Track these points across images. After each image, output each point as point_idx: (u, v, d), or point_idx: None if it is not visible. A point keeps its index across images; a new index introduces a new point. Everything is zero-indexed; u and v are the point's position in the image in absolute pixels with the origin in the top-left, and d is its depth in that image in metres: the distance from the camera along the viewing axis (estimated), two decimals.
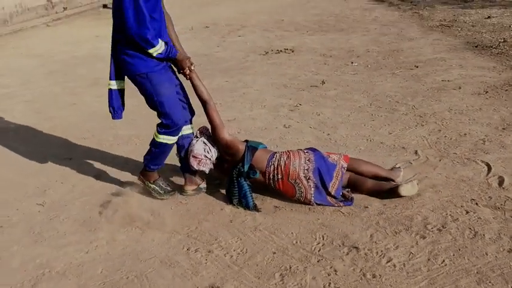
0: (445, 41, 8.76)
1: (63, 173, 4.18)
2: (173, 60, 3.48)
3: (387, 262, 2.77)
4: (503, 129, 4.58)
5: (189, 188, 3.69)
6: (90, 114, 5.62)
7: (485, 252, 2.80)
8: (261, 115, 5.39)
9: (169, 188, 3.74)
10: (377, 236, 3.02)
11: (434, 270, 2.67)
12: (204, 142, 3.58)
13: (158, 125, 3.53)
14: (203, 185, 3.73)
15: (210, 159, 3.58)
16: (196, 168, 3.59)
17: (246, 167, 3.49)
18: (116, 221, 3.37)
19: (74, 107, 5.99)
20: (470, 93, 5.69)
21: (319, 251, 2.92)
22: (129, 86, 3.56)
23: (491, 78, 6.25)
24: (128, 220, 3.37)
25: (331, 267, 2.75)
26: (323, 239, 3.03)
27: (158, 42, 3.27)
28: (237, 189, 3.49)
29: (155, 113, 3.53)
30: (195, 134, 3.70)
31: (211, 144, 3.59)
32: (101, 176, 4.07)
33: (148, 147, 3.65)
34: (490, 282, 2.56)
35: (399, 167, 3.74)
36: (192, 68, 3.53)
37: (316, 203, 3.41)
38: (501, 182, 3.59)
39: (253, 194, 3.49)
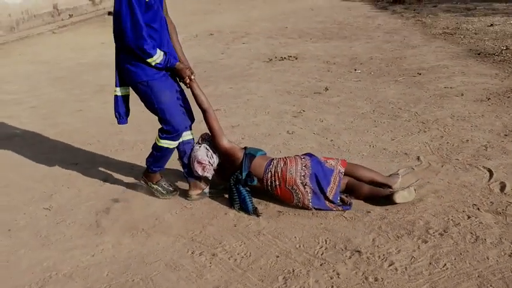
0: (448, 48, 8.82)
1: (69, 178, 4.23)
2: (173, 69, 3.54)
3: (389, 266, 2.80)
4: (505, 135, 4.62)
5: (194, 193, 3.74)
6: (96, 120, 5.69)
7: (486, 257, 2.83)
8: (264, 121, 5.44)
9: (171, 188, 3.82)
10: (379, 240, 3.06)
11: (436, 274, 2.70)
12: (206, 148, 3.64)
13: (159, 130, 3.62)
14: (207, 189, 3.78)
15: (212, 165, 3.64)
16: (201, 174, 3.64)
17: (243, 175, 3.56)
18: (121, 225, 3.42)
19: (79, 113, 6.06)
20: (472, 100, 5.73)
21: (321, 254, 2.95)
22: (135, 93, 3.63)
23: (494, 85, 6.29)
24: (133, 224, 3.42)
25: (333, 271, 2.79)
26: (326, 243, 3.07)
27: (156, 52, 3.35)
28: (236, 195, 3.55)
29: None
30: (197, 141, 3.76)
31: (213, 151, 3.65)
32: (106, 180, 4.12)
33: (151, 150, 3.73)
34: (491, 285, 2.59)
35: (397, 174, 3.77)
36: (192, 77, 3.59)
37: (314, 208, 3.45)
38: (503, 187, 3.63)
39: (253, 199, 3.54)
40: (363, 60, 8.25)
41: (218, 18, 14.82)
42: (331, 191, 3.44)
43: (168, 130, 3.56)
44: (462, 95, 5.95)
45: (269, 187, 3.55)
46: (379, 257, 2.89)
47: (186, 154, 3.73)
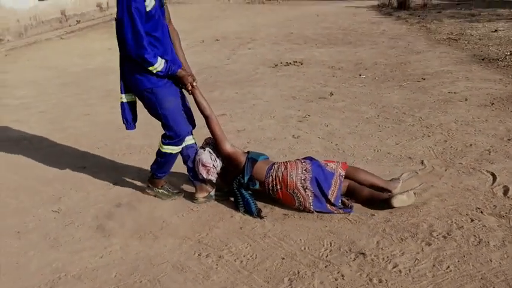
0: (452, 54, 8.86)
1: (78, 181, 4.29)
2: (175, 77, 3.60)
3: (393, 268, 2.84)
4: (509, 140, 4.65)
5: (200, 196, 3.79)
6: (104, 125, 5.76)
7: (489, 259, 2.87)
8: (270, 126, 5.49)
9: (176, 191, 3.91)
10: (383, 242, 3.09)
11: (439, 276, 2.74)
12: (210, 152, 3.71)
13: (162, 136, 3.71)
14: (213, 192, 3.84)
15: (216, 168, 3.70)
16: (205, 177, 3.70)
17: (245, 179, 3.62)
18: (129, 228, 3.47)
19: (87, 118, 6.13)
20: (476, 105, 5.76)
21: (326, 256, 2.99)
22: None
23: (498, 90, 6.32)
24: (140, 227, 3.47)
25: (338, 273, 2.82)
26: (330, 245, 3.11)
27: (157, 60, 3.42)
28: (240, 198, 3.61)
29: None
30: (201, 145, 3.83)
31: (216, 154, 3.72)
32: (114, 184, 4.18)
33: (155, 157, 3.82)
34: (493, 287, 2.63)
35: (398, 179, 3.80)
36: (194, 84, 3.66)
37: (316, 211, 3.50)
38: (506, 191, 3.66)
39: (259, 202, 3.60)
40: (368, 65, 8.30)
41: (224, 24, 14.91)
42: (332, 194, 3.49)
43: (171, 136, 3.65)
44: (466, 100, 5.99)
45: (270, 191, 3.60)
46: (383, 259, 2.93)
47: (190, 158, 3.80)
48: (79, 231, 3.50)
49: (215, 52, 10.33)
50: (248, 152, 3.78)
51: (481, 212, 3.39)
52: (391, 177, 3.87)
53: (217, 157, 3.72)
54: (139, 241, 3.30)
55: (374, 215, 3.43)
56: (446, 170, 4.08)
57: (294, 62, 8.79)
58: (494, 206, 3.47)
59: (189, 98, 3.79)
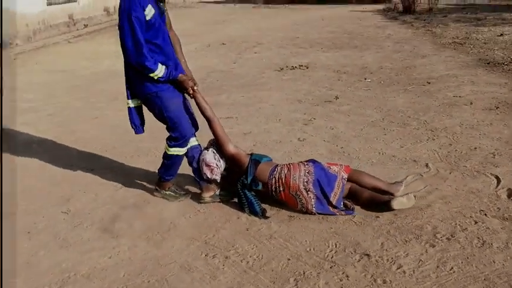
0: (458, 58, 8.89)
1: (86, 183, 4.35)
2: (176, 82, 3.71)
3: (397, 269, 2.87)
4: None
5: (207, 195, 3.85)
6: (112, 128, 5.83)
7: (492, 260, 2.90)
8: (276, 129, 5.55)
9: (183, 192, 3.98)
10: (388, 244, 3.13)
11: (443, 277, 2.78)
12: (213, 152, 3.79)
13: (167, 139, 3.81)
14: (218, 191, 3.90)
15: (219, 167, 3.77)
16: (210, 177, 3.77)
17: (249, 179, 3.67)
18: (137, 229, 3.53)
19: (95, 121, 6.21)
20: (481, 109, 5.79)
21: (331, 257, 3.03)
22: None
23: (503, 94, 6.35)
24: (148, 228, 3.52)
25: (343, 273, 2.87)
26: (336, 246, 3.15)
27: (157, 67, 3.54)
28: (244, 199, 3.67)
29: None
30: (205, 146, 3.91)
31: (220, 155, 3.79)
32: (122, 186, 4.24)
33: (162, 160, 3.91)
34: None
35: (401, 182, 3.82)
36: (195, 88, 3.76)
37: (318, 213, 3.55)
38: (510, 194, 3.70)
39: (265, 205, 3.66)
40: (373, 69, 8.35)
41: (230, 28, 15.00)
42: (334, 196, 3.53)
43: (176, 137, 3.76)
44: (471, 103, 6.02)
45: (273, 192, 3.65)
46: (387, 260, 2.97)
47: (194, 159, 3.89)
48: (88, 231, 3.55)
49: (221, 56, 10.41)
50: (251, 154, 3.84)
51: (485, 215, 3.43)
52: (395, 180, 3.91)
53: (221, 157, 3.79)
54: (147, 242, 3.36)
55: (379, 217, 3.47)
56: (450, 173, 4.12)
57: (299, 65, 8.85)
58: (498, 208, 3.50)
59: (191, 102, 3.88)
